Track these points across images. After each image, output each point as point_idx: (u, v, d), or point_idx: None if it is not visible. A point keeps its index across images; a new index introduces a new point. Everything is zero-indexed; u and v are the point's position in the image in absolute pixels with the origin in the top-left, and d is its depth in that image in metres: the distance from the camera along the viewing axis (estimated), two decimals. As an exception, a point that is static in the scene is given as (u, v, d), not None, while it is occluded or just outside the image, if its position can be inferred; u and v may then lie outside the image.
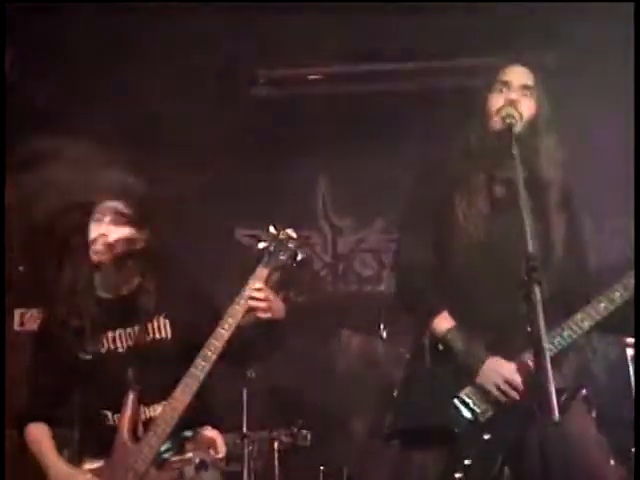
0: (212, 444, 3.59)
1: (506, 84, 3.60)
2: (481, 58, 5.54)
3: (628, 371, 4.88)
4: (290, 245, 3.53)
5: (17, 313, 5.85)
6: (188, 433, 3.55)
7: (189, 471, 3.48)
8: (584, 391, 3.54)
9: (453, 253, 3.64)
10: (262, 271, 3.51)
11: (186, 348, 3.49)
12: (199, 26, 5.50)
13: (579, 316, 3.48)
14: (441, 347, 3.55)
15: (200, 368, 3.42)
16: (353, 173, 6.93)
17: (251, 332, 3.48)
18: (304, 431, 5.22)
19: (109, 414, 3.54)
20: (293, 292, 5.60)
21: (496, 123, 3.56)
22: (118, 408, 3.50)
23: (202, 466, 3.47)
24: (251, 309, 3.43)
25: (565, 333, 3.47)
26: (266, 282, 3.49)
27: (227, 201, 6.66)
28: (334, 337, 6.11)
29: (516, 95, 3.57)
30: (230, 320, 3.42)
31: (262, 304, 3.43)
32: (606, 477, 3.45)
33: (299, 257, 3.56)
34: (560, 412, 2.89)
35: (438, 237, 3.68)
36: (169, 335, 3.58)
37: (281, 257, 3.52)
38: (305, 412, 5.34)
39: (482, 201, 3.61)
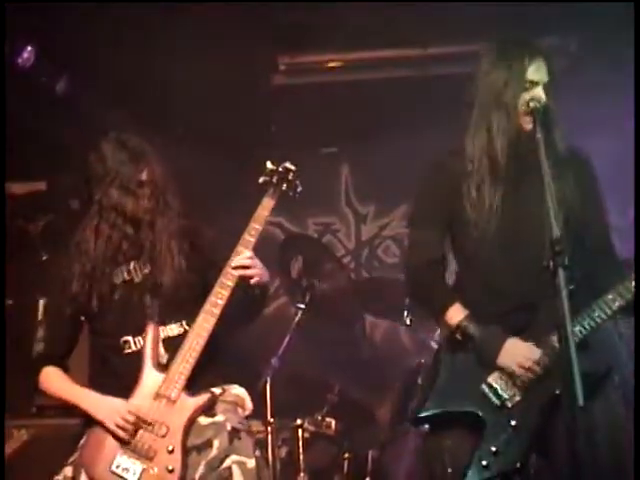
0: (241, 402, 3.63)
1: (534, 83, 3.56)
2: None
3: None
4: (290, 177, 3.76)
5: (42, 303, 5.86)
6: (216, 390, 3.58)
7: (220, 409, 3.52)
8: (615, 375, 3.53)
9: (467, 242, 3.63)
10: (268, 202, 3.69)
11: (201, 274, 3.61)
12: (218, 14, 5.48)
13: (610, 296, 3.46)
14: (459, 337, 3.55)
15: (220, 297, 3.49)
16: (376, 160, 6.93)
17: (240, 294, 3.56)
18: (328, 419, 5.22)
19: (130, 339, 3.55)
20: (317, 279, 5.61)
21: (523, 120, 3.53)
22: (139, 331, 3.54)
23: (235, 435, 3.48)
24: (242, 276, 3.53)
25: (595, 314, 3.46)
26: (271, 212, 3.68)
27: (246, 191, 6.64)
28: (358, 324, 6.11)
29: (542, 94, 3.54)
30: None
31: (250, 271, 3.52)
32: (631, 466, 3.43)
33: (299, 188, 3.78)
34: (589, 396, 2.88)
35: (451, 228, 3.67)
36: (184, 265, 3.60)
37: (283, 188, 3.74)
38: (329, 399, 5.32)
39: (500, 186, 3.58)
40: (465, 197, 3.58)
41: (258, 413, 4.78)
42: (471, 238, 3.59)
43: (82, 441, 3.51)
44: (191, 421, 3.45)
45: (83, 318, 3.66)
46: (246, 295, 3.59)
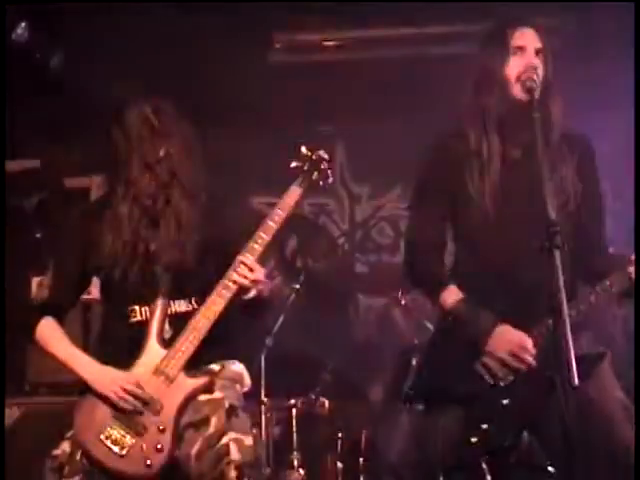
0: (239, 379, 3.63)
1: (522, 49, 3.55)
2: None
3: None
4: (322, 166, 3.65)
5: (35, 281, 5.86)
6: (215, 367, 3.58)
7: (218, 386, 3.51)
8: (609, 356, 3.53)
9: (468, 224, 3.62)
10: (295, 190, 3.61)
11: (214, 254, 3.55)
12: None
13: (607, 282, 3.45)
14: (451, 319, 3.55)
15: (232, 281, 3.45)
16: (371, 140, 6.90)
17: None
18: (322, 398, 5.23)
19: (137, 308, 3.55)
20: (311, 260, 5.61)
21: (516, 89, 3.51)
22: (146, 301, 3.52)
23: (232, 412, 3.48)
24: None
25: (592, 298, 3.46)
26: (297, 203, 3.61)
27: (243, 169, 6.64)
28: (352, 304, 6.11)
29: (535, 60, 3.52)
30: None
31: (246, 282, 3.45)
32: (630, 441, 3.42)
33: (330, 179, 3.68)
34: (584, 377, 2.88)
35: (452, 210, 3.66)
36: (198, 242, 3.57)
37: (314, 177, 3.63)
38: (323, 379, 5.33)
39: (496, 168, 3.57)
40: (467, 179, 3.58)
41: (252, 393, 4.80)
42: (472, 220, 3.58)
43: (79, 399, 3.51)
44: (186, 402, 3.44)
45: (95, 278, 3.68)
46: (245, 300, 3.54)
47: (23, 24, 5.24)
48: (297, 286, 5.42)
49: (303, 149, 3.68)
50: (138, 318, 3.54)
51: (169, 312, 3.53)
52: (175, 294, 3.56)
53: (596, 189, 3.68)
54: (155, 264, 3.55)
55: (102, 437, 3.39)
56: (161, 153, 3.59)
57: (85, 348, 3.71)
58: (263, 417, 4.95)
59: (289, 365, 5.44)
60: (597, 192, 3.68)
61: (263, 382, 5.01)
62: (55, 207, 6.23)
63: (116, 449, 3.38)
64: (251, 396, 4.72)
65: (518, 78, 3.49)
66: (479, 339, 3.49)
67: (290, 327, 5.36)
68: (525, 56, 3.52)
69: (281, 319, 5.26)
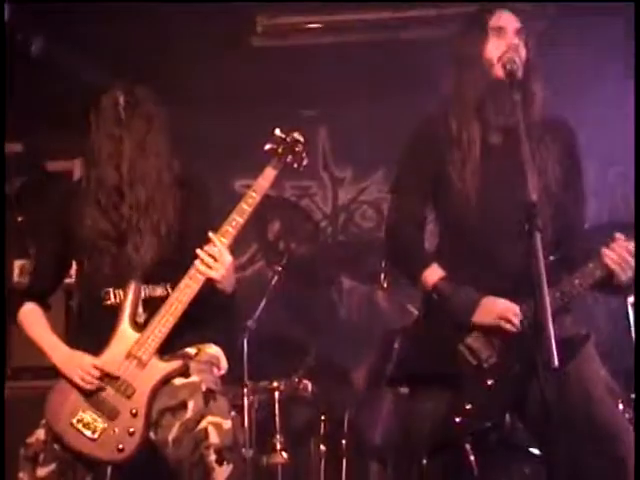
0: (216, 362, 3.63)
1: (501, 30, 3.55)
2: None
3: (629, 319, 4.89)
4: (297, 148, 3.63)
5: (17, 265, 5.84)
6: (191, 350, 3.57)
7: (195, 370, 3.50)
8: (592, 338, 3.54)
9: (450, 208, 3.63)
10: (270, 172, 3.59)
11: (195, 239, 3.50)
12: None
13: (591, 265, 3.46)
14: (435, 297, 3.56)
15: (203, 270, 3.43)
16: (353, 123, 6.89)
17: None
18: (305, 381, 5.24)
19: (111, 290, 3.54)
20: (294, 243, 5.61)
21: (498, 70, 3.51)
22: (121, 285, 3.51)
23: (210, 395, 3.47)
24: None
25: (576, 281, 3.47)
26: (272, 184, 3.58)
27: (226, 153, 6.63)
28: (335, 287, 6.11)
29: (515, 40, 3.53)
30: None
31: (211, 272, 3.44)
32: (616, 420, 3.45)
33: (305, 161, 3.66)
34: (567, 359, 2.89)
35: (434, 194, 3.67)
36: (176, 224, 3.58)
37: (288, 159, 3.62)
38: (306, 362, 5.34)
39: (477, 151, 3.57)
40: (448, 164, 3.58)
41: (234, 375, 4.81)
42: (454, 203, 3.59)
43: (53, 385, 3.51)
44: (160, 385, 3.43)
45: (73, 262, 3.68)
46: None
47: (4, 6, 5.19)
48: (279, 269, 5.42)
49: (277, 131, 3.66)
50: (112, 301, 3.53)
51: (143, 296, 3.52)
52: (151, 279, 3.54)
53: (578, 172, 3.69)
54: (130, 249, 3.53)
55: (74, 421, 3.39)
56: (124, 146, 3.57)
57: (67, 332, 3.71)
58: (246, 400, 4.95)
59: (272, 348, 5.46)
60: (578, 175, 3.69)
61: (246, 365, 5.01)
62: (37, 191, 6.21)
63: (88, 433, 3.38)
64: (234, 379, 4.76)
65: (499, 59, 3.50)
66: (465, 313, 3.49)
67: (273, 310, 5.37)
68: (505, 37, 3.53)
69: (264, 302, 5.26)
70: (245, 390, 4.97)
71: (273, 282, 5.39)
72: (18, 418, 4.82)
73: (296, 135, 3.65)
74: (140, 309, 3.52)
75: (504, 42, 3.52)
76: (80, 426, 3.38)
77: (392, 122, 6.44)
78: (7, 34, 5.29)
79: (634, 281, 3.47)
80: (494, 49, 3.53)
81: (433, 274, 3.57)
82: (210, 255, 3.42)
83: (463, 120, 3.58)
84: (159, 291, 3.55)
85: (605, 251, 3.43)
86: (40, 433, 3.46)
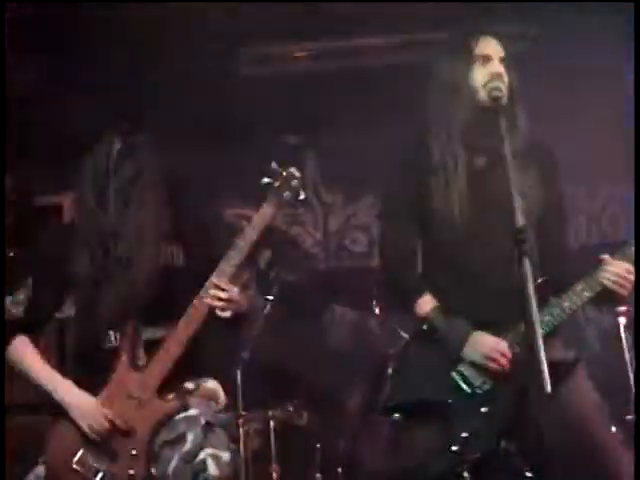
0: (214, 396, 3.62)
1: (487, 57, 3.58)
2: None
3: (621, 339, 4.90)
4: (293, 183, 3.59)
5: (8, 300, 5.82)
6: (190, 385, 3.56)
7: (194, 404, 3.50)
8: (583, 360, 3.55)
9: (436, 233, 3.64)
10: (267, 210, 3.56)
11: (195, 278, 3.50)
12: (182, 5, 5.45)
13: (579, 287, 3.47)
14: (425, 327, 3.56)
15: (202, 307, 3.44)
16: (341, 149, 6.92)
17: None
18: (300, 409, 5.23)
19: (111, 333, 3.53)
20: (284, 270, 5.61)
21: (483, 97, 3.53)
22: (119, 327, 3.50)
23: (209, 428, 3.47)
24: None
25: (565, 304, 3.47)
26: (271, 221, 3.57)
27: (215, 182, 6.64)
28: (327, 314, 6.11)
29: (500, 68, 3.55)
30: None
31: (220, 303, 3.45)
32: (607, 444, 3.45)
33: (301, 196, 3.62)
34: (558, 383, 2.89)
35: (421, 221, 3.67)
36: (181, 263, 3.60)
37: (285, 195, 3.58)
38: (300, 390, 5.33)
39: (462, 179, 3.59)
40: (433, 192, 3.59)
41: (229, 406, 4.80)
42: (441, 228, 3.60)
43: (52, 420, 3.50)
44: (159, 426, 3.42)
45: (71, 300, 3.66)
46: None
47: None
48: (271, 297, 5.42)
49: (274, 165, 3.64)
50: (113, 344, 3.52)
51: (144, 338, 3.52)
52: (148, 320, 3.53)
53: (558, 196, 3.71)
54: (124, 287, 3.52)
55: (74, 464, 3.37)
56: (109, 197, 3.56)
57: (59, 366, 3.69)
58: (241, 430, 4.94)
59: (266, 377, 5.45)
60: (560, 198, 3.72)
61: (240, 395, 5.00)
62: (27, 225, 6.21)
63: (89, 475, 3.36)
64: (229, 409, 4.75)
65: (484, 86, 3.52)
66: (454, 347, 3.50)
67: (266, 339, 5.36)
68: (490, 64, 3.56)
69: (256, 331, 5.25)
70: (240, 420, 4.95)
71: (265, 311, 5.38)
72: (10, 454, 4.82)
73: (293, 170, 3.62)
74: (141, 351, 3.51)
75: (489, 70, 3.55)
76: (80, 468, 3.37)
77: (380, 146, 6.44)
78: None
79: (634, 294, 3.50)
80: (480, 76, 3.56)
81: (425, 304, 3.58)
82: (216, 297, 3.44)
83: (448, 145, 3.59)
84: (158, 333, 3.53)
85: (603, 269, 3.45)
86: (40, 470, 3.45)
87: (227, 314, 3.47)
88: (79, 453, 3.39)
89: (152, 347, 3.50)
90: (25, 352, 3.59)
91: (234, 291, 3.48)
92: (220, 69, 6.14)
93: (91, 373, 3.52)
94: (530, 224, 3.39)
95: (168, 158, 6.05)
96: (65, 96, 5.82)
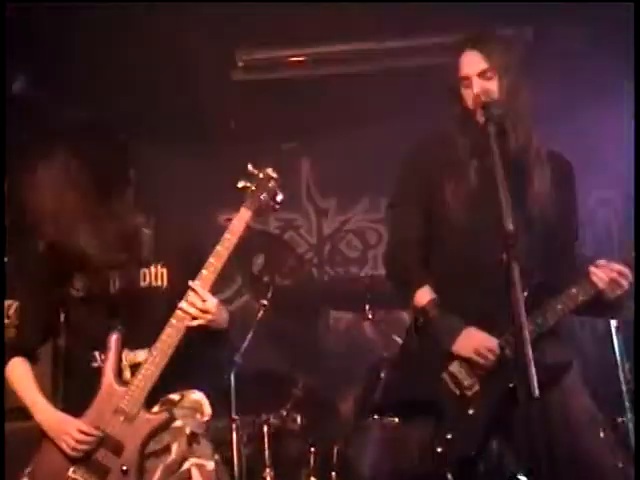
0: (199, 407, 3.59)
1: (466, 78, 3.60)
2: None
3: (613, 344, 4.91)
4: (270, 185, 3.52)
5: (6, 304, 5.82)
6: (175, 396, 3.55)
7: (179, 415, 3.47)
8: (576, 364, 3.56)
9: (440, 234, 3.69)
10: (244, 213, 3.50)
11: (178, 299, 3.44)
12: (176, 10, 5.46)
13: (574, 290, 3.49)
14: (421, 320, 3.59)
15: (182, 315, 3.40)
16: (336, 154, 6.94)
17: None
18: (293, 414, 5.23)
19: (97, 354, 3.50)
20: (278, 276, 5.62)
21: (478, 116, 3.55)
22: (104, 347, 3.46)
23: (194, 439, 3.45)
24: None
25: (559, 307, 3.49)
26: (247, 225, 3.49)
27: (208, 188, 6.65)
28: (321, 319, 6.12)
29: (478, 87, 3.56)
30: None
31: (194, 311, 3.40)
32: (598, 449, 3.47)
33: (279, 197, 3.54)
34: (549, 386, 2.90)
35: (428, 216, 3.71)
36: (164, 284, 3.55)
37: (262, 197, 3.51)
38: (293, 395, 5.33)
39: (470, 177, 3.62)
40: (445, 183, 3.64)
41: (223, 410, 4.80)
42: (445, 223, 3.64)
43: (40, 443, 3.47)
44: (147, 441, 3.39)
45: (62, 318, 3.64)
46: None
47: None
48: (265, 302, 5.43)
49: (250, 167, 3.56)
50: (97, 364, 3.49)
51: (130, 362, 3.48)
52: (132, 343, 3.50)
53: (571, 203, 3.74)
54: (116, 307, 3.52)
55: None
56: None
57: (54, 384, 3.69)
58: (234, 434, 4.94)
59: (259, 382, 5.45)
60: (573, 206, 3.75)
61: (233, 400, 5.00)
62: (22, 230, 6.20)
63: None
64: (222, 414, 4.76)
65: (474, 105, 3.54)
66: (446, 342, 3.53)
67: (259, 343, 5.36)
68: (471, 86, 3.58)
69: (250, 335, 5.26)
70: (234, 425, 4.95)
71: (259, 316, 5.39)
72: (6, 458, 4.83)
73: (269, 171, 3.55)
74: (126, 372, 3.48)
75: (470, 93, 3.57)
76: None
77: (374, 151, 6.50)
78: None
79: (631, 299, 3.52)
80: (467, 98, 3.59)
81: (423, 296, 3.61)
82: (193, 305, 3.40)
83: (457, 149, 3.65)
84: (143, 355, 3.48)
85: (593, 270, 3.47)
86: None
87: (195, 323, 3.41)
88: (69, 471, 3.36)
89: (138, 369, 3.45)
90: (17, 375, 3.58)
91: (212, 301, 3.42)
92: (213, 73, 6.14)
93: (81, 392, 3.50)
94: (541, 224, 3.43)
95: (162, 164, 6.14)
96: (55, 99, 5.82)
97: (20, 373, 3.58)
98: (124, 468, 3.34)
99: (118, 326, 3.47)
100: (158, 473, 3.39)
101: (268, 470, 5.04)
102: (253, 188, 3.52)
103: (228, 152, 6.63)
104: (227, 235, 3.46)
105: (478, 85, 3.56)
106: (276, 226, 7.12)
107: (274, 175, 3.54)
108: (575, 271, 3.59)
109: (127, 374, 3.48)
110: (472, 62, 3.60)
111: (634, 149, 4.58)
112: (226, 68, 6.32)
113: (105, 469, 3.35)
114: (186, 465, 3.40)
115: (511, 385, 3.35)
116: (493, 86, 3.57)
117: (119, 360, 3.47)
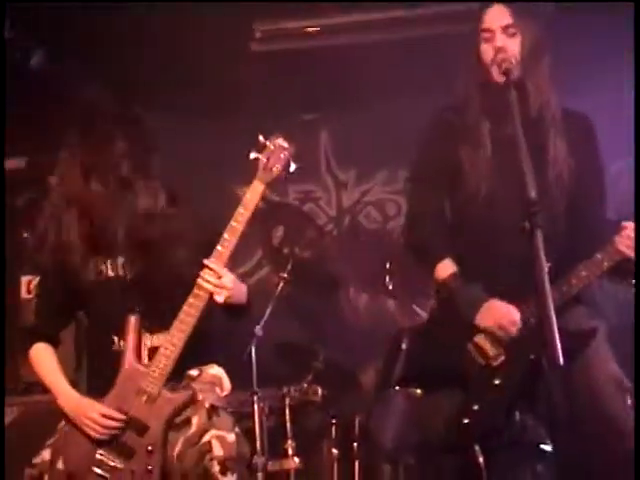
0: (218, 382, 3.61)
1: (489, 31, 3.56)
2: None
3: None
4: (282, 155, 3.44)
5: (24, 281, 5.85)
6: (193, 372, 3.56)
7: (198, 389, 3.48)
8: (601, 331, 3.54)
9: (461, 199, 3.65)
10: (257, 186, 3.45)
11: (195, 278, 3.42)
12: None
13: (599, 256, 3.47)
14: (443, 293, 3.57)
15: (200, 292, 3.39)
16: (355, 125, 6.88)
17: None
18: (314, 386, 5.23)
19: (115, 339, 3.51)
20: (298, 248, 5.60)
21: (494, 72, 3.52)
22: (123, 332, 3.48)
23: (213, 412, 3.47)
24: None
25: (583, 273, 3.47)
26: (262, 198, 3.45)
27: (227, 159, 6.62)
28: (341, 291, 6.11)
29: (501, 41, 3.52)
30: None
31: (211, 287, 3.38)
32: (623, 416, 3.46)
33: (292, 168, 3.47)
34: (575, 353, 2.88)
35: (449, 186, 3.69)
36: (182, 265, 3.51)
37: (274, 169, 3.44)
38: (314, 367, 5.33)
39: (487, 146, 3.59)
40: (462, 154, 3.63)
41: (244, 383, 4.81)
42: (465, 194, 3.62)
43: (64, 427, 3.50)
44: (171, 420, 3.41)
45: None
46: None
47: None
48: (285, 275, 5.42)
49: (261, 138, 3.47)
50: (117, 349, 3.50)
51: (149, 345, 3.49)
52: (153, 327, 3.51)
53: (594, 165, 3.70)
54: (124, 291, 3.52)
55: (93, 466, 3.37)
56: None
57: (77, 367, 3.69)
58: (256, 407, 4.94)
59: (280, 354, 5.46)
60: (595, 167, 3.71)
61: (255, 372, 5.00)
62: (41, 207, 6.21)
63: (108, 476, 3.37)
64: (244, 386, 4.77)
65: (493, 61, 3.50)
66: (468, 314, 3.51)
67: (279, 316, 5.36)
68: (493, 40, 3.54)
69: (270, 308, 5.25)
70: (255, 397, 4.96)
71: (279, 288, 5.38)
72: (33, 431, 4.86)
73: (280, 141, 3.46)
74: (145, 354, 3.48)
75: (492, 45, 3.53)
76: (99, 470, 3.37)
77: (394, 122, 6.45)
78: (6, 48, 5.30)
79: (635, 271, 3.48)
80: (486, 52, 3.55)
81: (445, 269, 3.60)
82: (209, 282, 3.38)
83: (473, 115, 3.64)
84: (162, 338, 3.47)
85: (618, 239, 3.43)
86: (46, 454, 3.46)
87: (219, 299, 3.40)
88: (97, 455, 3.39)
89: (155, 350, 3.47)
90: (40, 359, 3.61)
91: (228, 277, 3.40)
92: (232, 46, 6.11)
93: (104, 376, 3.51)
94: (559, 192, 3.39)
95: (181, 137, 6.13)
96: (74, 74, 5.81)
97: (43, 358, 3.61)
98: (149, 448, 3.36)
99: (137, 308, 3.48)
100: (179, 445, 3.41)
101: (289, 442, 5.05)
102: (265, 160, 3.45)
103: (246, 124, 6.60)
104: (241, 209, 3.41)
105: (501, 39, 3.53)
106: (294, 197, 7.09)
107: (285, 145, 3.46)
108: (600, 236, 3.56)
109: (145, 356, 3.49)
110: (497, 15, 3.57)
111: (634, 145, 4.55)
112: (244, 39, 6.29)
113: (131, 450, 3.37)
114: (206, 437, 3.40)
115: (532, 357, 3.32)
116: (515, 44, 3.53)
117: (139, 342, 3.48)
